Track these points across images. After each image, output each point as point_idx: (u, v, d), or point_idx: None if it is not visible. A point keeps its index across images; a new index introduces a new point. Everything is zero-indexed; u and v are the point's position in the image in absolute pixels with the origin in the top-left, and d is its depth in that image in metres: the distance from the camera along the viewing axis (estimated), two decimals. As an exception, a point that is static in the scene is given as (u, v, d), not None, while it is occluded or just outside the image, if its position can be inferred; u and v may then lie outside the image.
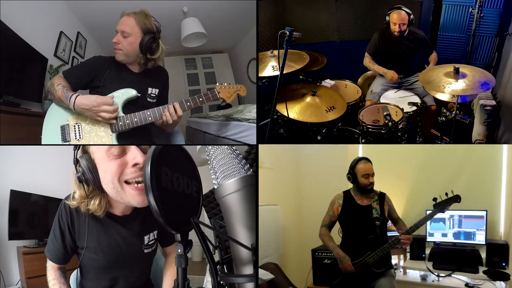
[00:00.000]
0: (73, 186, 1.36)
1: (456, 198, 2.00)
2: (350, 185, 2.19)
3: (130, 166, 1.27)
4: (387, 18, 2.70)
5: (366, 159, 2.10)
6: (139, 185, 1.28)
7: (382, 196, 2.10)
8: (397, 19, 2.64)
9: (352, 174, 2.10)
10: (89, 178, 1.29)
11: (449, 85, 2.19)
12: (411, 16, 2.64)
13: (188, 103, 1.94)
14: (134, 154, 1.28)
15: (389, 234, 2.11)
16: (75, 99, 1.79)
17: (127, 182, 1.29)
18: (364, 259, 1.95)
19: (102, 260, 1.45)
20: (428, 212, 2.64)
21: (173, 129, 2.11)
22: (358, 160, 2.10)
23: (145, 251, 1.54)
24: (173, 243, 1.67)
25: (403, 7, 2.65)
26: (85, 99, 1.80)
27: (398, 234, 2.02)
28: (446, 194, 2.00)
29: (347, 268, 1.94)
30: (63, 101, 1.83)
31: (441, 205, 2.01)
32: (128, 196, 1.29)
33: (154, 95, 2.07)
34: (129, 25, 1.94)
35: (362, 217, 2.05)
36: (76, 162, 1.29)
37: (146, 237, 1.53)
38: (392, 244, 1.97)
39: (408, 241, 1.97)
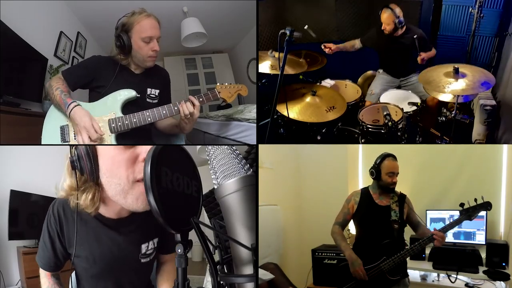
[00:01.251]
0: (64, 174, 1.19)
1: (487, 206, 1.81)
2: (348, 185, 2.17)
3: (142, 160, 1.11)
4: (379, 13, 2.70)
5: (393, 157, 1.96)
6: None
7: (402, 198, 1.95)
8: (383, 18, 2.65)
9: (376, 170, 1.94)
10: (85, 166, 1.11)
11: (449, 85, 2.19)
12: (399, 19, 2.60)
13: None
14: (145, 147, 1.11)
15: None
16: (72, 109, 1.76)
17: (138, 182, 1.13)
18: (379, 265, 1.81)
19: (95, 269, 1.35)
20: (428, 211, 2.67)
21: (192, 128, 2.06)
22: (385, 156, 1.95)
23: (142, 260, 1.42)
24: (173, 252, 1.54)
25: (395, 8, 2.61)
26: (80, 114, 1.76)
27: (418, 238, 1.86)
28: (475, 200, 1.81)
29: (358, 272, 1.80)
30: (61, 107, 1.82)
31: (469, 212, 1.82)
32: (135, 196, 1.13)
33: (154, 96, 2.06)
34: (159, 29, 1.93)
35: (379, 218, 1.91)
36: (73, 145, 1.13)
37: (143, 246, 1.40)
38: (411, 251, 1.83)
39: (442, 239, 1.79)
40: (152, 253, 1.46)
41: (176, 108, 1.89)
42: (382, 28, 2.68)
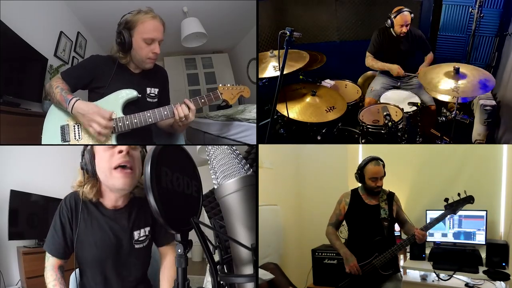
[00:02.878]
0: (77, 172, 1.57)
1: (469, 199, 1.91)
2: (348, 185, 2.19)
3: (116, 153, 1.48)
4: (389, 21, 2.70)
5: (377, 161, 2.01)
6: (124, 169, 1.48)
7: (391, 196, 2.03)
8: (402, 20, 2.64)
9: (359, 175, 2.04)
10: (89, 168, 1.51)
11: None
12: (412, 15, 2.66)
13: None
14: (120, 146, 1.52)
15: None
16: (74, 103, 1.76)
17: (115, 168, 1.48)
18: (371, 261, 1.89)
19: (96, 254, 1.51)
20: (428, 211, 2.67)
21: (184, 130, 2.05)
22: (368, 161, 2.01)
23: (136, 246, 1.57)
24: (167, 243, 1.67)
25: (404, 8, 2.65)
26: (84, 105, 1.77)
27: (406, 235, 1.96)
28: (459, 194, 1.91)
29: (352, 268, 1.89)
30: (62, 104, 1.82)
31: (453, 206, 1.91)
32: (114, 179, 1.48)
33: (154, 95, 2.06)
34: (162, 33, 1.93)
35: (369, 217, 1.99)
36: (83, 154, 1.53)
37: (136, 232, 1.58)
38: (401, 246, 1.91)
39: (423, 238, 1.88)
40: (145, 240, 1.61)
41: None
42: (399, 31, 2.69)
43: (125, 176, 1.47)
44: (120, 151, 1.48)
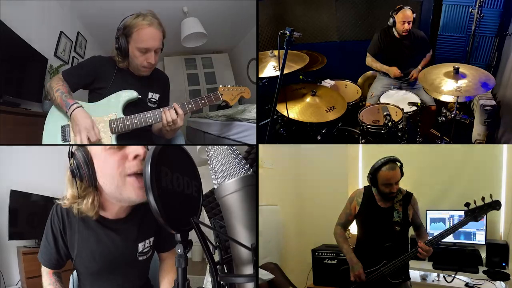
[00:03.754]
0: (65, 184, 1.30)
1: (495, 205, 1.67)
2: (348, 185, 2.16)
3: (131, 159, 1.23)
4: (391, 19, 2.70)
5: (393, 163, 1.80)
6: (139, 178, 1.25)
7: (407, 197, 1.86)
8: (404, 17, 2.65)
9: (371, 179, 1.85)
10: (84, 173, 1.22)
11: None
12: (414, 14, 2.67)
13: (190, 105, 1.91)
14: (134, 147, 1.25)
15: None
16: (74, 110, 1.75)
17: (129, 175, 1.24)
18: (380, 269, 1.77)
19: (96, 267, 1.41)
20: (428, 211, 2.67)
21: (174, 135, 2.04)
22: (382, 164, 1.81)
23: (140, 258, 1.48)
24: (169, 249, 1.63)
25: (405, 6, 2.66)
26: (82, 115, 1.75)
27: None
28: (483, 198, 1.67)
29: (357, 277, 1.78)
30: (62, 108, 1.82)
31: (475, 212, 1.68)
32: (129, 189, 1.23)
33: (155, 100, 2.06)
34: (160, 40, 1.90)
35: (381, 220, 1.84)
36: (71, 155, 1.24)
37: (140, 244, 1.47)
38: (412, 254, 1.76)
39: (426, 253, 1.72)
40: (149, 251, 1.52)
41: None
42: (401, 29, 2.69)
43: (142, 187, 1.18)
44: (136, 156, 1.23)
